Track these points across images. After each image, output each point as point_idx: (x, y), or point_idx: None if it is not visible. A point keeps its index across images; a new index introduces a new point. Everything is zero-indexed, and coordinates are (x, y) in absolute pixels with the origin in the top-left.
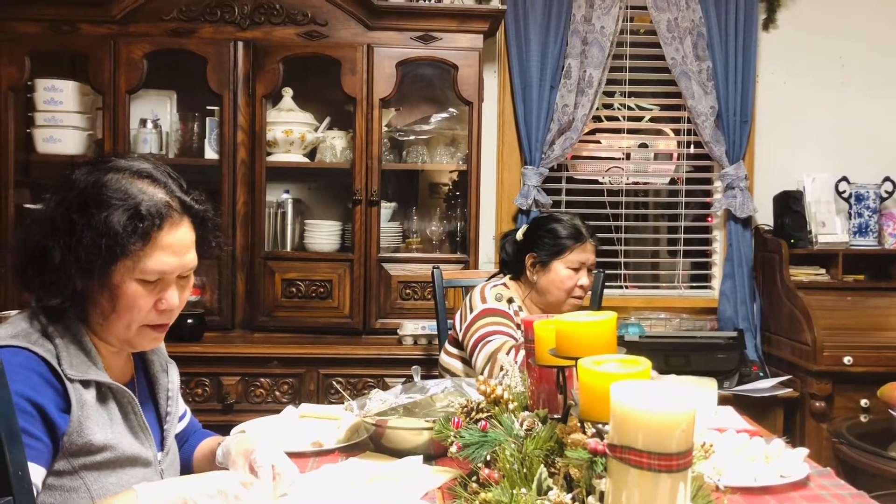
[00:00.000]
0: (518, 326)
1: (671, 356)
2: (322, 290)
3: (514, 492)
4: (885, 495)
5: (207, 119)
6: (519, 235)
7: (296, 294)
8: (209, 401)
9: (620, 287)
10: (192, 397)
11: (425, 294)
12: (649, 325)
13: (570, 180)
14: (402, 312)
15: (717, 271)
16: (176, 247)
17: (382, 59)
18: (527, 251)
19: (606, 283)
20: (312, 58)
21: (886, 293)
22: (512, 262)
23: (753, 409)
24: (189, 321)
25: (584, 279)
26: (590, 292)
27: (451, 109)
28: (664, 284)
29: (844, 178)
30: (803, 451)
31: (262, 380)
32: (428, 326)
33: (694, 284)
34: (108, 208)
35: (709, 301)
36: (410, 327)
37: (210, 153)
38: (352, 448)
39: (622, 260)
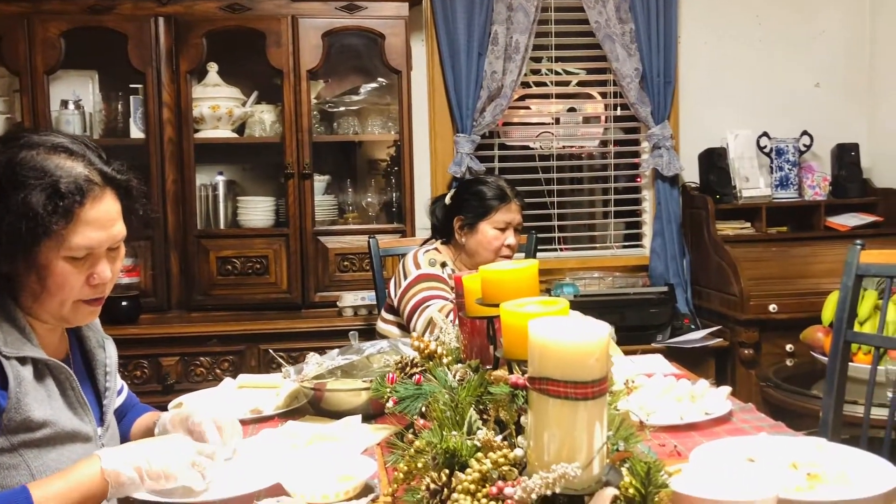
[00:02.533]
0: (453, 288)
1: (605, 313)
2: (258, 266)
3: (445, 433)
4: (812, 433)
5: (131, 98)
6: (447, 200)
7: (232, 271)
8: (148, 382)
9: (555, 250)
10: (130, 379)
11: (363, 265)
12: (583, 285)
13: (502, 147)
14: (341, 284)
15: (647, 230)
16: (101, 220)
17: (308, 31)
18: (455, 215)
19: (541, 247)
20: (236, 31)
21: (808, 242)
22: (442, 227)
23: (686, 359)
24: (123, 303)
25: (510, 238)
26: (523, 254)
27: (380, 79)
28: (598, 245)
29: (765, 134)
30: (726, 390)
31: (201, 358)
32: (367, 297)
33: (626, 244)
34: (25, 189)
35: (641, 259)
36: (350, 299)
37: (136, 132)
38: (291, 413)
39: (556, 223)
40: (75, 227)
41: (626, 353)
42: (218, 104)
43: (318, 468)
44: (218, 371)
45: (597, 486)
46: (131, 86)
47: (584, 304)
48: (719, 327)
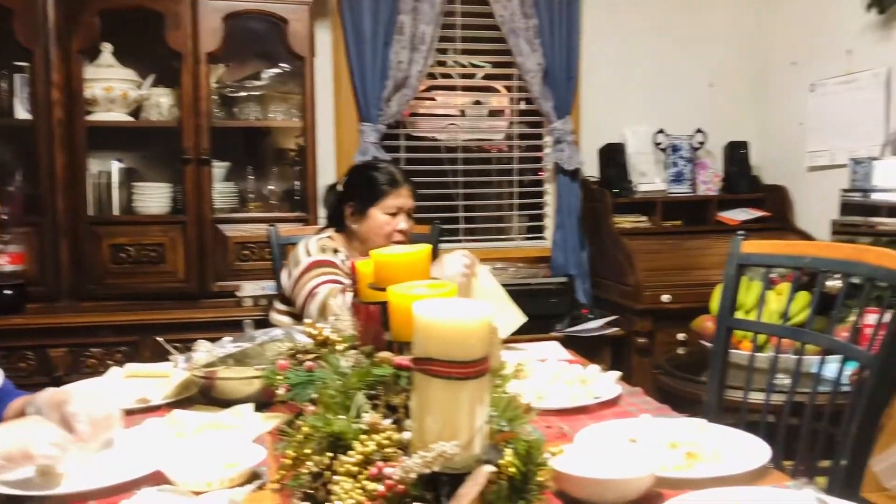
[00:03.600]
0: (347, 275)
1: None
2: (154, 254)
3: (330, 417)
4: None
5: (17, 76)
6: (339, 187)
7: (126, 259)
8: (34, 375)
9: (459, 241)
10: (13, 372)
11: (264, 254)
12: None
13: (408, 137)
14: (240, 274)
15: (549, 222)
16: None
17: (208, 13)
18: (346, 201)
19: (446, 238)
20: (133, 11)
21: (700, 236)
22: (335, 215)
23: (584, 348)
24: (6, 292)
25: (402, 224)
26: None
27: (283, 65)
28: (501, 237)
29: (661, 131)
30: (615, 374)
31: (92, 350)
32: (268, 287)
33: (529, 236)
34: None
35: (542, 251)
36: (250, 288)
37: (22, 113)
38: (181, 403)
39: (461, 214)
40: None
41: (526, 341)
42: (112, 86)
43: (203, 456)
44: (110, 363)
45: (477, 466)
46: (16, 63)
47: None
48: (616, 317)
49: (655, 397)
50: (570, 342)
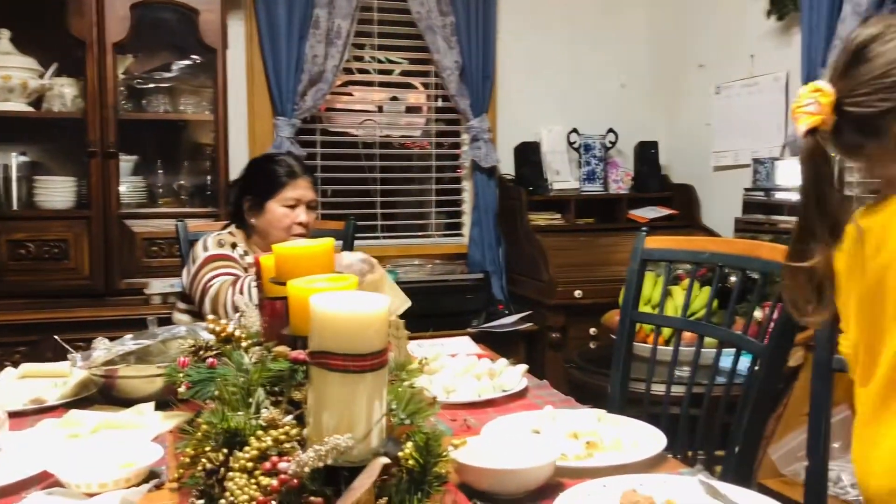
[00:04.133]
0: (245, 269)
1: (423, 299)
2: (56, 250)
3: (227, 413)
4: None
5: None
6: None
7: (26, 256)
8: None
9: (377, 237)
10: None
11: (173, 251)
12: (404, 272)
13: (324, 132)
14: (149, 271)
15: (466, 219)
16: None
17: (114, 1)
18: (244, 195)
19: (364, 234)
20: None
21: (611, 233)
22: (235, 210)
23: (499, 343)
24: None
25: (302, 216)
26: (341, 242)
27: (194, 57)
28: (419, 233)
29: (575, 130)
30: (523, 367)
31: None
32: (177, 284)
33: (447, 232)
34: None
35: (459, 247)
36: (158, 286)
37: None
38: (80, 403)
39: (378, 211)
40: None
41: (441, 336)
42: (10, 74)
43: (97, 457)
44: (7, 364)
45: (374, 458)
46: None
47: (404, 291)
48: (530, 312)
49: (567, 391)
50: (485, 338)
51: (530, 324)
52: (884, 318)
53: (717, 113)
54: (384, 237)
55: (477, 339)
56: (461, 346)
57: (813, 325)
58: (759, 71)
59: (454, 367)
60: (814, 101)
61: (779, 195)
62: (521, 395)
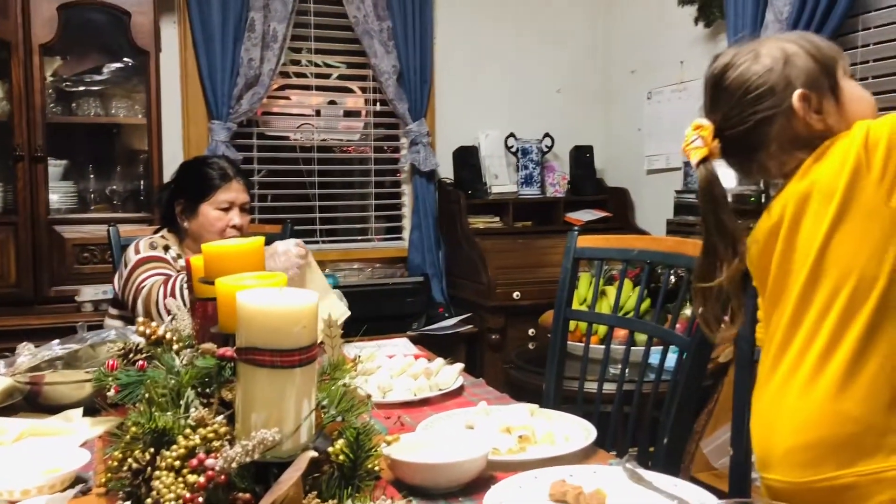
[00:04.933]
0: (178, 271)
1: (363, 303)
2: None
3: (154, 413)
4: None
5: None
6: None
7: None
8: None
9: (316, 242)
10: None
11: (105, 257)
12: (344, 276)
13: (261, 136)
14: (80, 278)
15: (406, 223)
16: None
17: (40, 2)
18: (176, 199)
19: (303, 239)
20: None
21: (549, 236)
22: (167, 214)
23: (440, 346)
24: None
25: (236, 219)
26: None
27: (126, 59)
28: (358, 238)
29: (512, 135)
30: (459, 366)
31: None
32: (109, 290)
33: (387, 236)
34: None
35: (400, 251)
36: (90, 293)
37: None
38: (3, 411)
39: (317, 215)
40: None
41: (377, 339)
42: None
43: (21, 464)
44: None
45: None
46: None
47: (343, 295)
48: (470, 315)
49: (506, 391)
50: (425, 341)
51: (470, 326)
52: (790, 273)
53: (649, 118)
54: (323, 241)
55: (417, 342)
56: (399, 348)
57: (725, 342)
58: (689, 76)
59: (391, 367)
60: (697, 137)
61: None
62: (456, 393)
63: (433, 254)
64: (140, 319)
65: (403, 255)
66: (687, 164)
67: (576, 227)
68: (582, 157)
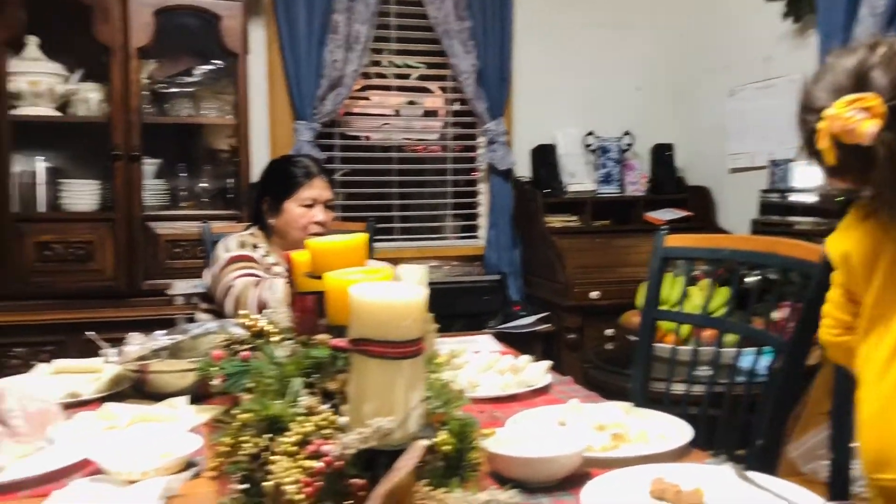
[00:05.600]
0: (266, 270)
1: (440, 301)
2: (82, 252)
3: (267, 401)
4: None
5: None
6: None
7: (52, 258)
8: None
9: (394, 240)
10: None
11: (196, 253)
12: None
13: (343, 136)
14: (172, 272)
15: (482, 221)
16: None
17: (138, 7)
18: (263, 197)
19: (382, 237)
20: (60, 3)
21: (627, 235)
22: (256, 212)
23: (516, 344)
24: None
25: (319, 215)
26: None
27: (215, 61)
28: (435, 236)
29: (591, 133)
30: (546, 364)
31: (17, 349)
32: (200, 284)
33: (463, 235)
34: None
35: (476, 249)
36: (182, 287)
37: None
38: (113, 397)
39: (396, 213)
40: None
41: (460, 335)
42: (38, 80)
43: (137, 446)
44: (34, 363)
45: (413, 443)
46: None
47: None
48: (547, 313)
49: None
50: (502, 339)
51: (547, 325)
52: None
53: (732, 115)
54: (401, 239)
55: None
56: (483, 344)
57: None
58: (776, 73)
59: (478, 363)
60: (859, 110)
61: (795, 196)
62: (544, 390)
63: (510, 252)
64: (242, 312)
65: (480, 254)
66: (774, 162)
67: (663, 228)
68: (662, 155)
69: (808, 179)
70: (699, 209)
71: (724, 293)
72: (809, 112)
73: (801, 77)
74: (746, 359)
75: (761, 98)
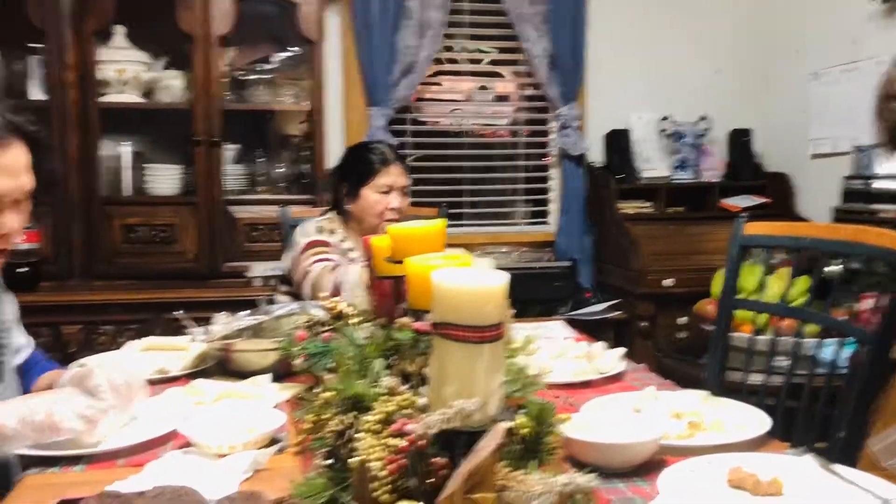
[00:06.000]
0: (343, 255)
1: (511, 286)
2: (165, 234)
3: (350, 381)
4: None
5: (31, 57)
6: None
7: (137, 240)
8: (49, 351)
9: (465, 225)
10: None
11: (273, 236)
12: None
13: (415, 122)
14: (250, 255)
15: (553, 207)
16: (11, 168)
17: None
18: (341, 183)
19: (451, 222)
20: None
21: (703, 222)
22: (334, 197)
23: (587, 331)
24: (21, 270)
25: (394, 202)
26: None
27: (292, 48)
28: (506, 221)
29: (666, 118)
30: (620, 351)
31: (105, 327)
32: (278, 267)
33: (533, 220)
34: None
35: (547, 235)
36: (260, 269)
37: (36, 94)
38: (199, 374)
39: (466, 199)
40: None
41: (532, 321)
42: (124, 68)
43: (224, 421)
44: (121, 340)
45: (493, 424)
46: (30, 45)
47: None
48: (619, 300)
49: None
50: (573, 325)
51: (619, 312)
52: None
53: (815, 99)
54: (471, 225)
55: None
56: (556, 330)
57: None
58: (863, 55)
59: (550, 348)
60: None
61: (879, 184)
62: (618, 377)
63: (581, 238)
64: (323, 295)
65: (550, 240)
66: (859, 148)
67: (742, 214)
68: (740, 140)
69: (893, 166)
70: (777, 196)
71: (803, 282)
72: (893, 100)
73: (889, 59)
74: (827, 350)
75: (846, 81)
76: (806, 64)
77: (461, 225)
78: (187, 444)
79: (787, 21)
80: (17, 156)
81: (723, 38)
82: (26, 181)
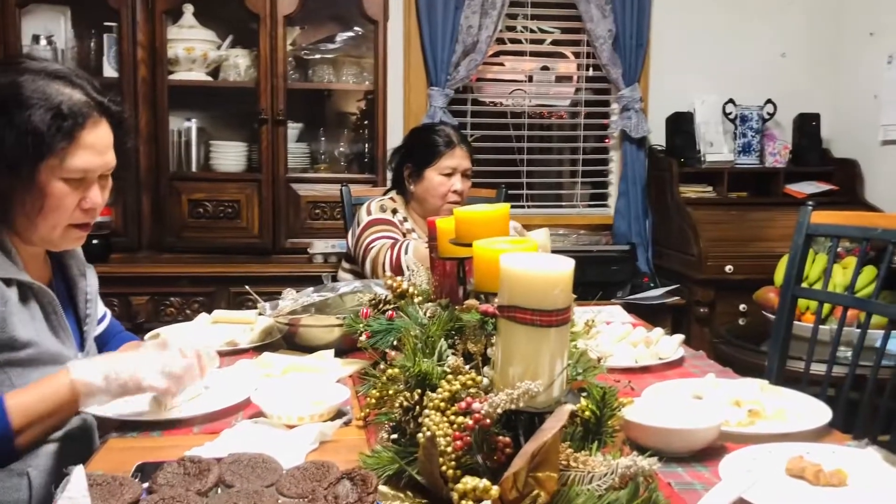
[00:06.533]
0: (404, 234)
1: None
2: (230, 210)
3: (416, 359)
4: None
5: (105, 36)
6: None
7: (203, 215)
8: (119, 321)
9: (523, 206)
10: None
11: (334, 214)
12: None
13: (475, 102)
14: (311, 232)
15: (612, 190)
16: (98, 146)
17: None
18: (404, 163)
19: (510, 203)
20: None
21: (766, 208)
22: (396, 177)
23: (645, 316)
24: (94, 241)
25: (457, 184)
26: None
27: (356, 28)
28: (564, 203)
29: (731, 101)
30: (679, 337)
31: (172, 299)
32: (338, 245)
33: (592, 203)
34: (30, 108)
35: (605, 218)
36: (321, 246)
37: (109, 71)
38: (266, 347)
39: (524, 180)
40: (75, 148)
41: (589, 305)
42: (193, 46)
43: (293, 393)
44: (188, 311)
45: (556, 407)
46: (105, 24)
47: None
48: (677, 286)
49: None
50: (630, 310)
51: (677, 297)
52: None
53: (889, 84)
54: (529, 206)
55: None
56: (614, 315)
57: None
58: None
59: (610, 333)
60: None
61: None
62: (677, 363)
63: (640, 222)
64: (388, 274)
65: (608, 223)
66: None
67: (809, 202)
68: (807, 125)
69: None
70: (845, 183)
71: (870, 273)
72: None
73: None
74: (894, 342)
75: None
76: (880, 47)
77: (519, 206)
78: (258, 414)
79: (862, 3)
80: (104, 134)
81: (790, 20)
82: (111, 158)
